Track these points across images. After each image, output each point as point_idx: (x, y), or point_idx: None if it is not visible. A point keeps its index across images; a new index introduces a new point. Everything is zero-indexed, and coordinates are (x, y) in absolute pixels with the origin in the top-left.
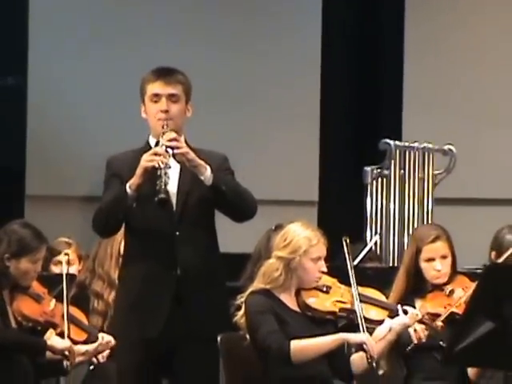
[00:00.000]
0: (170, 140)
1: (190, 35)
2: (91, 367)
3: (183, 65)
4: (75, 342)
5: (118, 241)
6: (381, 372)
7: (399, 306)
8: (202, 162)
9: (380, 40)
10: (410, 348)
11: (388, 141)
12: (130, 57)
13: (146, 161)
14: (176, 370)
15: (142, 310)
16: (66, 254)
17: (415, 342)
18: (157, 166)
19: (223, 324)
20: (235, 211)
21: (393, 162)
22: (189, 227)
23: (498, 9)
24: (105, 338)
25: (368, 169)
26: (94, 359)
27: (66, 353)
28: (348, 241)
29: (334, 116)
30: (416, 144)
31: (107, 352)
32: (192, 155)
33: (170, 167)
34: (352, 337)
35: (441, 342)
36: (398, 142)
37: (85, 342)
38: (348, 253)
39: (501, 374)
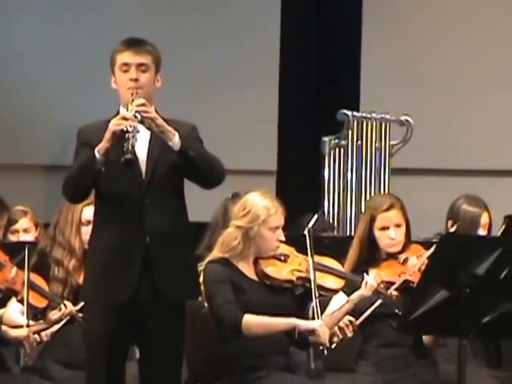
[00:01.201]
0: (139, 105)
1: (152, 6)
2: (35, 344)
3: (145, 36)
4: (35, 308)
5: (79, 209)
6: (335, 339)
7: (365, 275)
8: (170, 128)
9: (339, 11)
10: (336, 343)
11: (346, 111)
12: (95, 26)
13: (114, 125)
14: (144, 336)
15: (111, 276)
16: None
17: (340, 337)
18: (125, 129)
19: (192, 290)
20: (204, 177)
21: (350, 132)
22: (158, 194)
23: None
24: (68, 307)
25: (326, 139)
26: (38, 337)
27: (24, 342)
28: (311, 232)
29: (292, 87)
30: (373, 115)
31: (54, 328)
32: (160, 121)
33: (138, 131)
34: (303, 323)
35: (396, 310)
36: (355, 113)
37: (45, 308)
38: (310, 245)
39: (455, 341)
